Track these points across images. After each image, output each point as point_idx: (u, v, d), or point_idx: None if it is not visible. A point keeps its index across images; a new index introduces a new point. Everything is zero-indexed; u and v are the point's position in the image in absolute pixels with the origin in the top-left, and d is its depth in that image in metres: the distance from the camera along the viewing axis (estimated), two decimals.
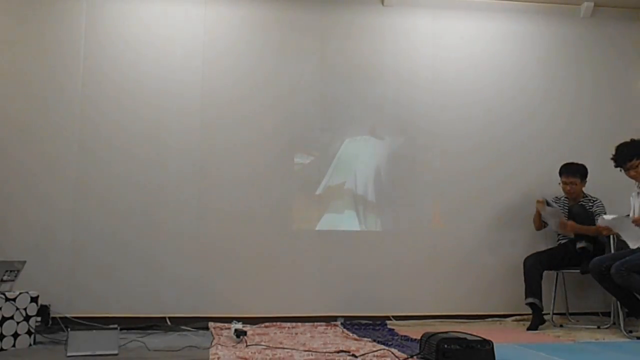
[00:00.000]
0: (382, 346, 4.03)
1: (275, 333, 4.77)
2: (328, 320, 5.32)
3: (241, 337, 4.26)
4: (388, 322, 5.39)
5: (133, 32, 5.72)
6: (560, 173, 5.66)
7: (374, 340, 4.33)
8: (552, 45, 6.31)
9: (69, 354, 3.64)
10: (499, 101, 6.14)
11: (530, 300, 5.24)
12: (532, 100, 6.19)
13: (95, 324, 4.82)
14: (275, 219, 5.67)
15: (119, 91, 5.61)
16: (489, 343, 3.38)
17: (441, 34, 6.14)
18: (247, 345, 4.05)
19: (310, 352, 3.81)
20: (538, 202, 5.53)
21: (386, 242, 5.81)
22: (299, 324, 5.14)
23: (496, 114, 6.12)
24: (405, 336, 4.57)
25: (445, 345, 3.34)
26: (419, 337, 3.78)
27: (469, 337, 3.42)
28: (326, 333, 4.82)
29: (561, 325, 5.39)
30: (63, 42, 5.61)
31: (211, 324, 5.02)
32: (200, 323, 5.12)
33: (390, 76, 6.01)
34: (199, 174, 5.60)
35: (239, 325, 4.46)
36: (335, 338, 4.53)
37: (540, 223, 5.72)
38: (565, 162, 5.69)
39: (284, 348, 3.97)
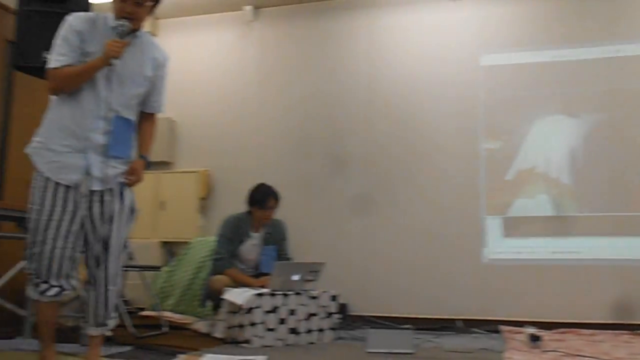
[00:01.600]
0: None
1: (572, 340, 4.50)
2: (632, 328, 4.88)
3: (536, 342, 4.10)
4: None
5: (409, 39, 5.95)
6: None
7: None
8: None
9: (368, 350, 3.85)
10: None
11: None
12: None
13: (390, 323, 5.04)
14: None
15: (397, 95, 5.89)
16: None
17: None
18: (543, 351, 3.89)
19: None
20: None
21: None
22: (598, 331, 4.80)
23: None
24: None
25: None
26: None
27: None
28: (631, 342, 4.42)
29: None
30: (348, 55, 6.07)
31: (502, 327, 4.92)
32: (490, 326, 5.06)
33: None
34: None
35: (533, 330, 4.30)
36: None
37: None
38: None
39: (584, 356, 3.73)
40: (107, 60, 2.80)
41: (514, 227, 5.51)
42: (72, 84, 2.87)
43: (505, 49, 5.72)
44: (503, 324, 5.01)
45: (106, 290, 2.95)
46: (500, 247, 5.54)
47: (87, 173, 2.87)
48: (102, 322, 2.99)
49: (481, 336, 4.79)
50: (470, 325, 5.16)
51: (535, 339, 4.12)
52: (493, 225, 5.57)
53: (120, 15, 2.88)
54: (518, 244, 5.50)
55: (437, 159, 5.70)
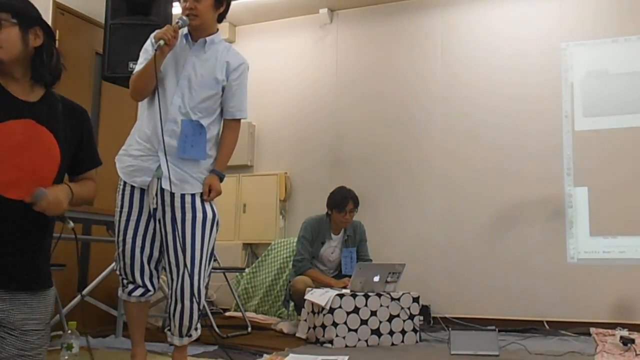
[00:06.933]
0: None
1: None
2: None
3: (628, 345, 3.95)
4: None
5: (485, 35, 5.85)
6: None
7: None
8: None
9: (452, 352, 3.79)
10: None
11: None
12: None
13: (473, 325, 4.95)
14: None
15: (474, 92, 5.78)
16: None
17: None
18: (636, 354, 3.74)
19: None
20: None
21: None
22: None
23: None
24: None
25: None
26: None
27: None
28: None
29: None
30: (423, 52, 6.04)
31: (593, 330, 4.75)
32: (580, 328, 4.89)
33: None
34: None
35: (625, 332, 4.14)
36: None
37: None
38: None
39: None
40: (156, 44, 2.84)
41: (602, 225, 5.30)
42: (139, 82, 2.96)
43: (590, 39, 5.50)
44: (592, 326, 4.84)
45: (191, 303, 2.93)
46: (587, 246, 5.34)
47: (158, 174, 2.95)
48: (186, 334, 3.03)
49: (569, 339, 4.64)
50: (560, 327, 5.00)
51: (627, 341, 3.97)
52: (579, 224, 5.38)
53: (183, 14, 2.97)
54: (607, 243, 5.29)
55: (518, 158, 5.54)
